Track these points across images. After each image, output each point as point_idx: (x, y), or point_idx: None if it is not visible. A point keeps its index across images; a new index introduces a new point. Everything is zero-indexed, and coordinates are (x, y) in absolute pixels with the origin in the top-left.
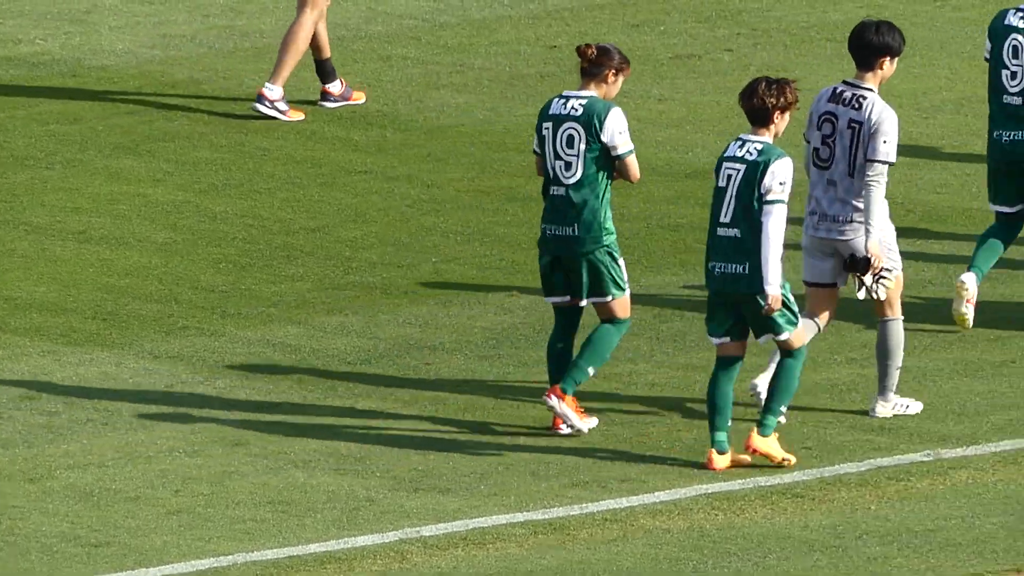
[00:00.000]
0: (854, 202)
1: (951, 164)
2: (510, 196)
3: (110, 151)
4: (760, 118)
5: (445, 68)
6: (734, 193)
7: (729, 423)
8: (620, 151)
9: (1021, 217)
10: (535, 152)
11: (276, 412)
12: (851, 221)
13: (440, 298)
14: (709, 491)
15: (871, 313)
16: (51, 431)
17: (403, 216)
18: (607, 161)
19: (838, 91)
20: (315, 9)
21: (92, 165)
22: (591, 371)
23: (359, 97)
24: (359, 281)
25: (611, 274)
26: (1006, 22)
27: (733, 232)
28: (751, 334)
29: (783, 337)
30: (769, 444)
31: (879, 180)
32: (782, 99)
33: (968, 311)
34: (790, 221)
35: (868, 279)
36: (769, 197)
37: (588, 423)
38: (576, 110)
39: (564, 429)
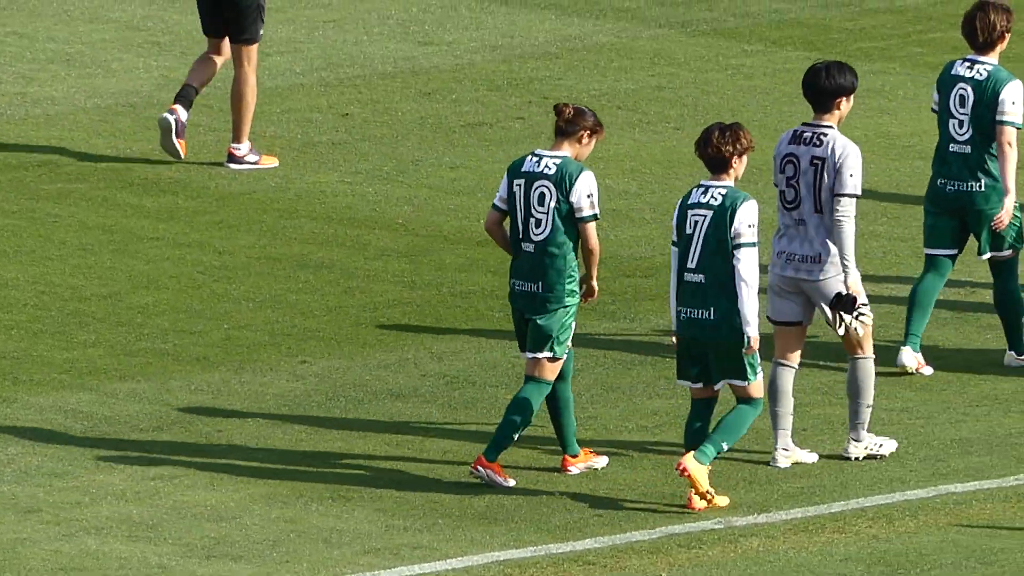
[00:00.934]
0: (822, 241)
1: None
2: (301, 263)
3: None
4: (718, 166)
5: None
6: (700, 239)
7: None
8: (583, 214)
9: (954, 259)
10: (495, 206)
11: (68, 479)
12: (818, 261)
13: (232, 365)
14: (501, 559)
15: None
16: None
17: (195, 283)
18: (574, 222)
19: (798, 132)
20: (251, 61)
21: None
22: (516, 436)
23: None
24: (151, 347)
25: (557, 335)
26: (952, 72)
27: (698, 278)
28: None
29: (743, 384)
30: (701, 471)
31: (848, 214)
32: (737, 145)
33: (927, 371)
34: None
35: (847, 317)
36: (739, 241)
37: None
38: (549, 168)
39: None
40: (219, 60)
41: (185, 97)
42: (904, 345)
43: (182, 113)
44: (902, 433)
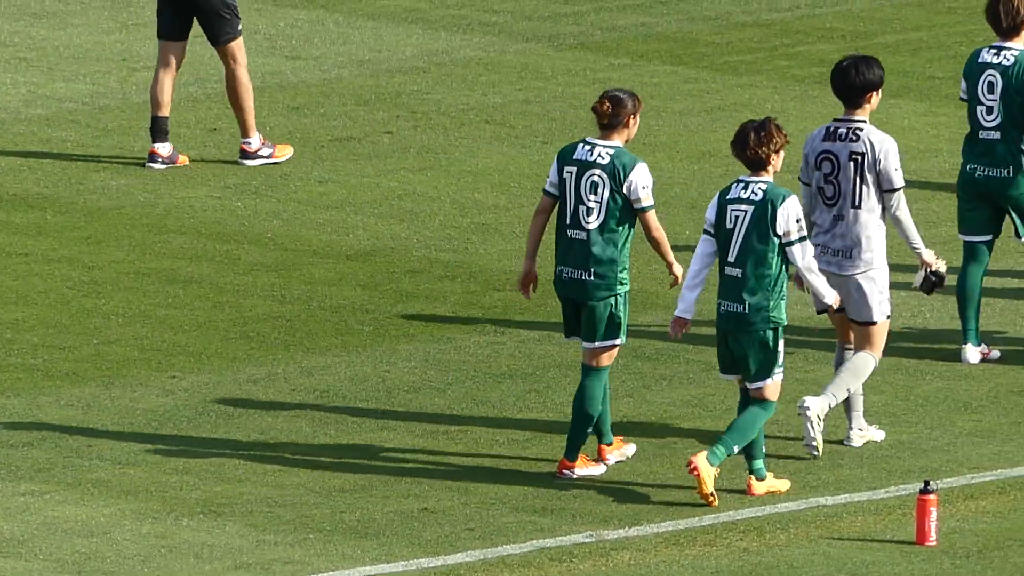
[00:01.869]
0: (855, 237)
1: None
2: (171, 278)
3: None
4: (757, 165)
5: (105, 151)
6: (741, 234)
7: (763, 450)
8: (642, 205)
9: (990, 245)
10: (548, 192)
11: None
12: (848, 256)
13: (102, 380)
14: (372, 573)
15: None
16: None
17: (64, 298)
18: (629, 212)
19: (832, 129)
20: (238, 58)
21: None
22: (589, 429)
23: (184, 161)
24: (20, 363)
25: (615, 322)
26: (980, 60)
27: (737, 272)
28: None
29: (759, 385)
30: (709, 472)
31: (902, 205)
32: (773, 144)
33: (995, 355)
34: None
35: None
36: (791, 238)
37: (597, 469)
38: (603, 158)
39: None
40: (171, 71)
41: (160, 131)
42: (965, 344)
43: (164, 150)
44: (772, 447)
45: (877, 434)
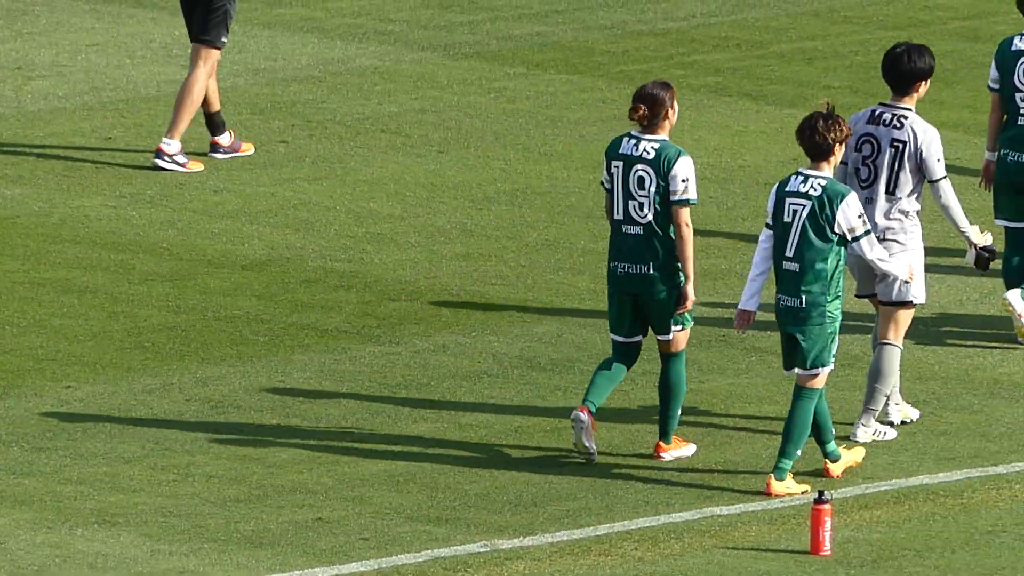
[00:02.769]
0: (890, 221)
1: (506, 255)
2: (66, 288)
3: None
4: (820, 154)
5: None
6: (799, 228)
7: (832, 434)
8: (676, 196)
9: None
10: (605, 187)
11: None
12: (881, 240)
13: None
14: None
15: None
16: None
17: None
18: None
19: (876, 113)
20: (207, 64)
21: None
22: (679, 411)
23: (248, 148)
24: None
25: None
26: (1013, 48)
27: (794, 267)
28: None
29: (815, 372)
30: (784, 486)
31: (948, 194)
32: (839, 133)
33: None
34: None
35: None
36: (856, 234)
37: (688, 450)
38: (648, 153)
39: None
40: (208, 69)
41: (216, 124)
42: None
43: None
44: (667, 462)
45: (913, 412)
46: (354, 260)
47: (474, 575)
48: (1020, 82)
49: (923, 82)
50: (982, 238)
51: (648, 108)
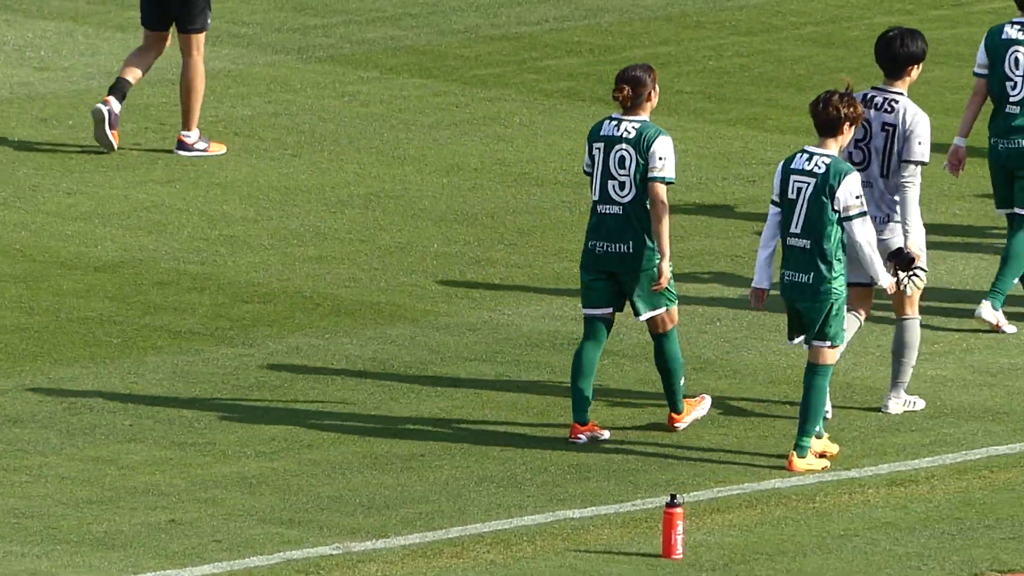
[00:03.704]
0: (887, 203)
1: (360, 258)
2: None
3: None
4: (830, 128)
5: None
6: (805, 205)
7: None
8: (653, 173)
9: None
10: (587, 173)
11: None
12: (886, 221)
13: None
14: None
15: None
16: None
17: None
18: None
19: (868, 96)
20: (200, 50)
21: None
22: (681, 381)
23: (115, 136)
24: None
25: (663, 290)
26: (1003, 36)
27: (803, 243)
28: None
29: (822, 345)
30: (806, 462)
31: (913, 181)
32: (852, 110)
33: (1009, 329)
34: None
35: (902, 274)
36: (851, 213)
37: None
38: (629, 133)
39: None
40: (153, 54)
41: (119, 89)
42: (985, 300)
43: (115, 105)
44: (519, 459)
45: (919, 403)
46: (207, 262)
47: None
48: (1011, 70)
49: (915, 66)
50: (918, 248)
51: (632, 89)
